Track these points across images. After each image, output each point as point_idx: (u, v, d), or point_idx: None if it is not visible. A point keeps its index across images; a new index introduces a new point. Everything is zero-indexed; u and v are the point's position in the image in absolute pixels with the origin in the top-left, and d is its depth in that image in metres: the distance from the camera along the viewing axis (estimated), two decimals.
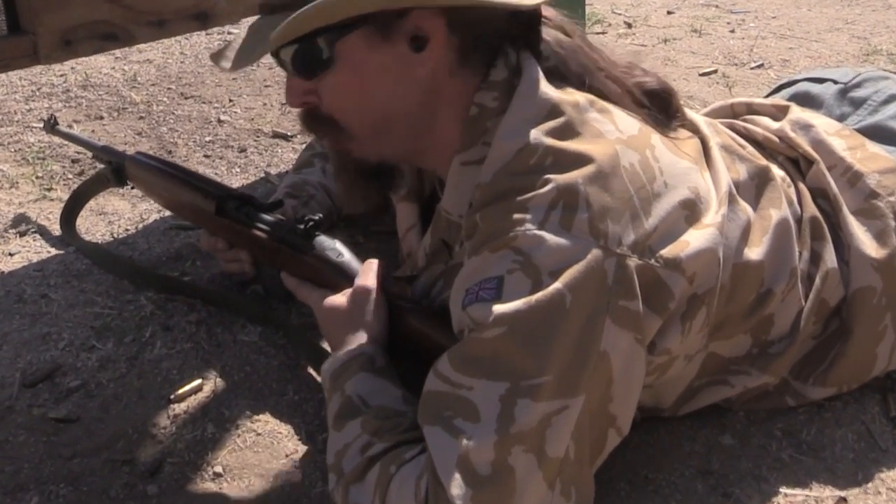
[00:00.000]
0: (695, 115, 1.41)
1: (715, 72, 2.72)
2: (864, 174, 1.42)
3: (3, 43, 1.65)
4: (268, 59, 2.24)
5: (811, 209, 1.38)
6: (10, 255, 1.76)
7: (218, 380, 1.44)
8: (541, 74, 1.20)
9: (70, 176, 2.07)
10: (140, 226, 1.87)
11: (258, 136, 2.28)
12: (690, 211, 1.17)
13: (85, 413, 1.37)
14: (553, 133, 1.14)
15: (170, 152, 2.18)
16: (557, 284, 1.05)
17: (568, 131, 1.15)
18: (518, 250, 1.06)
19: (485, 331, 1.05)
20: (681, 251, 1.13)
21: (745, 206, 1.29)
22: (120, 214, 1.92)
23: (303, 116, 1.24)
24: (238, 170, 2.11)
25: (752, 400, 1.40)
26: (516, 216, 1.08)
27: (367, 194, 1.32)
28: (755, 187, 1.35)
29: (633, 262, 1.08)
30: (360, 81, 1.17)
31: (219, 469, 1.28)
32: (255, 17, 1.21)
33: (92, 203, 1.94)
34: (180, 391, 1.41)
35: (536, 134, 1.14)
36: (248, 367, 1.47)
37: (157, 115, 2.39)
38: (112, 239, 1.83)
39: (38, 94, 2.50)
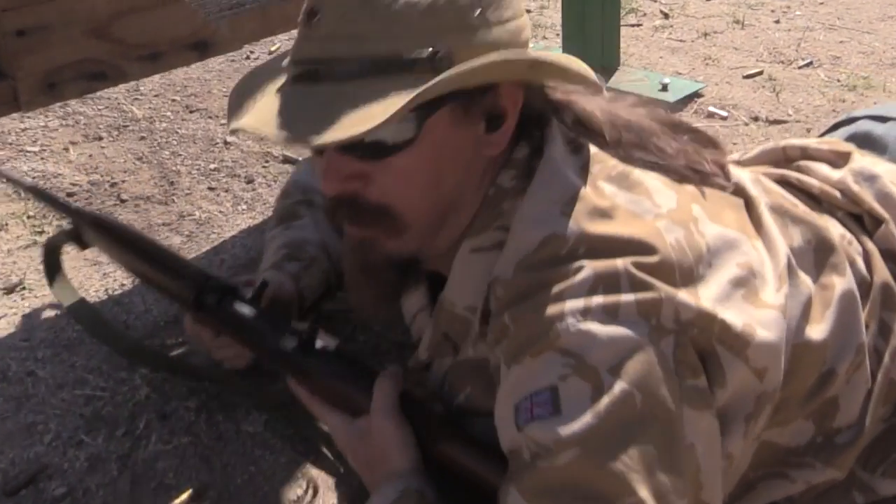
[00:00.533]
0: (740, 173, 1.24)
1: (760, 73, 2.51)
2: None
3: None
4: None
5: (882, 273, 1.20)
6: None
7: (218, 485, 1.29)
8: (564, 150, 1.07)
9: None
10: (137, 281, 1.72)
11: (267, 162, 2.11)
12: (745, 289, 1.03)
13: None
14: (583, 217, 1.01)
15: (172, 183, 2.02)
16: (622, 384, 0.92)
17: (600, 214, 1.01)
18: (566, 351, 0.93)
19: (555, 457, 0.91)
20: (749, 336, 0.99)
21: (805, 279, 1.13)
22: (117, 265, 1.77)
23: (337, 204, 1.05)
24: (244, 206, 1.94)
25: (816, 498, 1.24)
26: (553, 311, 0.95)
27: (393, 295, 1.18)
28: (813, 252, 1.18)
29: (688, 335, 0.96)
30: (437, 164, 1.03)
31: None
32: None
33: (87, 252, 1.78)
34: (176, 502, 1.26)
35: (564, 219, 1.00)
36: (252, 467, 1.32)
37: (159, 134, 2.22)
38: (107, 297, 1.68)
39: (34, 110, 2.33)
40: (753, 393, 1.02)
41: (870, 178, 1.31)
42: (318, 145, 0.96)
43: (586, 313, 0.94)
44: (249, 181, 2.03)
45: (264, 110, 1.01)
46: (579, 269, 0.97)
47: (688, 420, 0.94)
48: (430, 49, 0.97)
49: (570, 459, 0.90)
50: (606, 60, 2.50)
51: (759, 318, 1.02)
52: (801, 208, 1.24)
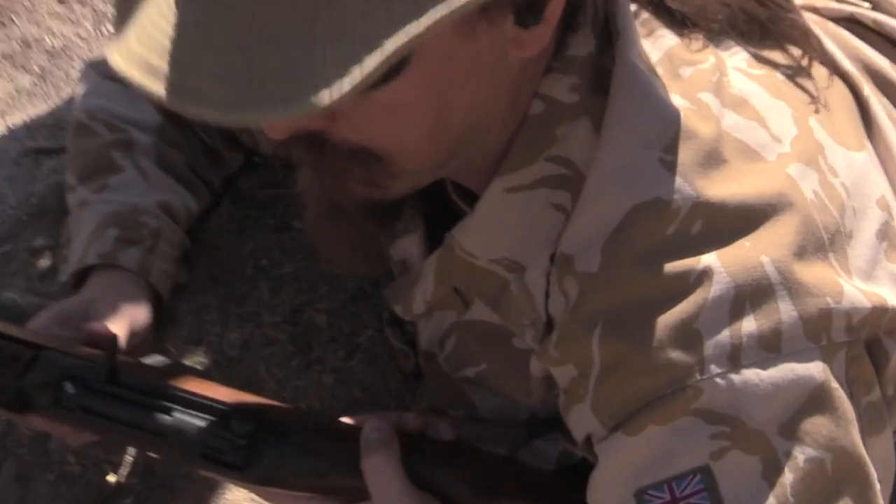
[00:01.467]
0: (815, 29, 0.91)
1: None
2: None
3: None
4: None
5: None
6: None
7: None
8: (641, 42, 0.73)
9: None
10: None
11: None
12: (888, 240, 0.75)
13: None
14: (694, 168, 0.68)
15: None
16: (805, 448, 0.64)
17: (712, 161, 0.69)
18: (712, 415, 0.64)
19: None
20: None
21: None
22: None
23: (289, 142, 0.65)
24: (111, 27, 1.48)
25: None
26: (683, 357, 0.64)
27: (372, 249, 0.82)
28: None
29: (860, 341, 0.69)
30: (440, 90, 0.64)
31: None
32: None
33: None
34: None
35: (665, 173, 0.68)
36: None
37: None
38: None
39: None
40: None
41: None
42: (230, 121, 0.55)
43: (736, 355, 0.64)
44: None
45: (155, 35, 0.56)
46: (707, 273, 0.64)
47: (870, 451, 0.68)
48: None
49: None
50: None
51: None
52: (892, 73, 0.93)
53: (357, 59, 0.51)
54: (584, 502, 0.74)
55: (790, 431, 0.63)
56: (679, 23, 0.75)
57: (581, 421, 0.70)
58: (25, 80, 1.39)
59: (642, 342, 0.65)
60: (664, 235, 0.67)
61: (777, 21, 0.84)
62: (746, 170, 0.70)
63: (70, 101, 1.35)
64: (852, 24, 1.01)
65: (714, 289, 0.65)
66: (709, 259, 0.66)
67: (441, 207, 0.89)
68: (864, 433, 0.68)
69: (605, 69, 0.72)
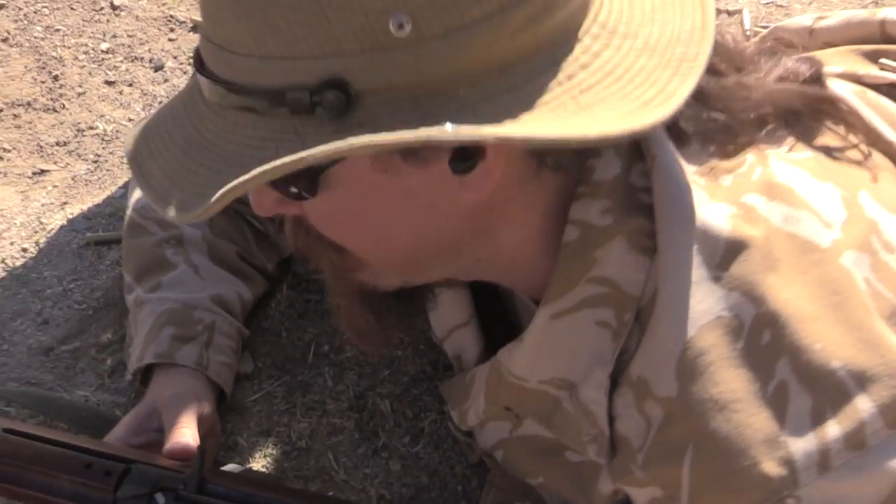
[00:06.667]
0: (848, 97, 0.93)
1: None
2: None
3: None
4: None
5: None
6: None
7: None
8: (683, 166, 0.75)
9: None
10: (41, 239, 1.32)
11: (173, 32, 1.65)
12: None
13: None
14: (748, 283, 0.72)
15: (55, 77, 1.55)
16: None
17: (767, 266, 0.72)
18: None
19: None
20: None
21: None
22: (9, 217, 1.35)
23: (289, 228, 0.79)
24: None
25: None
26: (776, 471, 0.68)
27: (393, 326, 0.88)
28: None
29: None
30: (370, 218, 0.73)
31: None
32: None
33: None
34: None
35: (725, 298, 0.72)
36: None
37: (23, 2, 1.71)
38: (4, 272, 1.28)
39: None
40: None
41: None
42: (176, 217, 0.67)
43: (826, 462, 0.67)
44: (158, 67, 1.58)
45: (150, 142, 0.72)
46: (784, 387, 0.66)
47: None
48: (318, 80, 0.61)
49: None
50: None
51: None
52: None
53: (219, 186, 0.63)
54: None
55: None
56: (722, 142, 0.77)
57: None
58: (81, 168, 1.43)
59: (734, 464, 0.68)
60: (733, 349, 0.70)
61: (817, 104, 0.86)
62: (802, 266, 0.72)
63: (126, 188, 1.39)
64: (894, 90, 1.03)
65: (795, 404, 0.68)
66: (783, 372, 0.68)
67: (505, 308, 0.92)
68: None
69: (633, 188, 0.75)
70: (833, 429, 0.67)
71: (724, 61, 0.79)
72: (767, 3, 1.68)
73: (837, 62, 1.10)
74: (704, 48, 0.68)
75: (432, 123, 0.60)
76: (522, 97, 0.62)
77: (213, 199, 0.62)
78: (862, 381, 0.68)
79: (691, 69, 0.66)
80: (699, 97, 0.73)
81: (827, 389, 0.68)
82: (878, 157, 0.86)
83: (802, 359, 0.68)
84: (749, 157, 0.78)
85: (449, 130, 0.59)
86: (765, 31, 1.28)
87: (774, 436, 0.67)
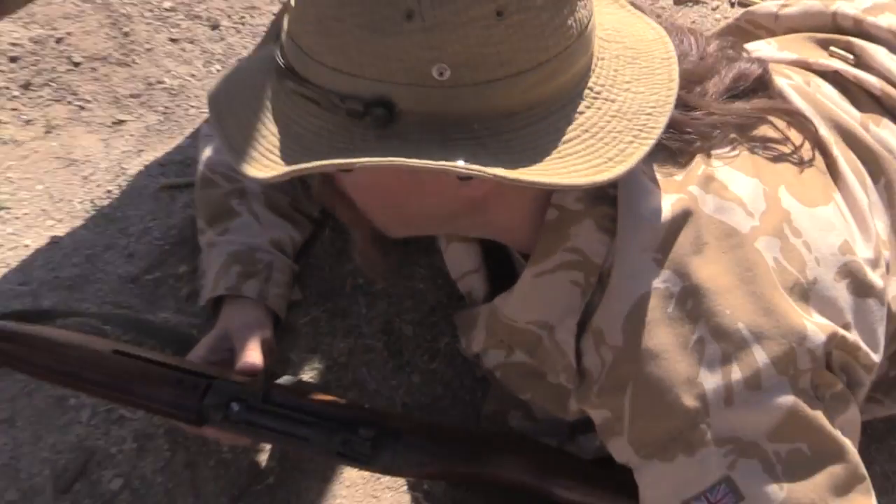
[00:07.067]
0: (790, 77, 1.16)
1: None
2: None
3: None
4: None
5: None
6: None
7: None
8: (645, 170, 0.99)
9: (14, 90, 1.70)
10: (122, 182, 1.57)
11: None
12: (851, 279, 1.02)
13: None
14: (679, 262, 0.95)
15: (126, 34, 1.79)
16: (786, 445, 0.92)
17: (696, 247, 0.96)
18: (721, 440, 0.91)
19: None
20: (862, 345, 1.00)
21: (886, 235, 1.11)
22: (94, 162, 1.61)
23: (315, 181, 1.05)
24: (218, 66, 1.75)
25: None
26: (693, 405, 0.92)
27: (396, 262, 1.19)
28: (884, 190, 1.16)
29: (822, 365, 0.96)
30: (387, 194, 0.97)
31: None
32: None
33: (55, 145, 1.62)
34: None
35: (661, 273, 0.96)
36: None
37: None
38: (95, 211, 1.54)
39: None
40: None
41: None
42: (265, 179, 0.88)
43: (730, 399, 0.91)
44: (215, 26, 1.81)
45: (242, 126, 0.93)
46: (701, 341, 0.91)
47: (839, 426, 0.95)
48: (371, 96, 0.85)
49: None
50: None
51: (865, 315, 1.02)
52: (870, 130, 1.17)
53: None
54: (616, 481, 1.04)
55: (775, 437, 0.90)
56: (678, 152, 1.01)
57: (620, 450, 0.99)
58: (153, 119, 1.67)
59: (667, 401, 0.93)
60: (665, 313, 0.94)
61: (760, 114, 1.09)
62: (723, 248, 0.96)
63: (193, 136, 1.63)
64: (837, 77, 1.25)
65: (708, 354, 0.92)
66: (701, 330, 0.93)
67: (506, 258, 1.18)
68: (833, 415, 0.94)
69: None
70: (736, 373, 0.91)
71: (688, 83, 1.02)
72: None
73: (793, 48, 1.32)
74: (662, 122, 0.91)
75: (450, 146, 0.84)
76: (520, 139, 0.86)
77: (283, 171, 0.85)
78: (760, 338, 0.92)
79: (648, 137, 0.89)
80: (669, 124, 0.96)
81: (732, 343, 0.92)
82: (808, 151, 1.09)
83: (715, 321, 0.93)
84: (698, 157, 1.02)
85: (461, 165, 0.83)
86: (738, 15, 1.49)
87: (693, 377, 0.92)
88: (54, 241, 1.49)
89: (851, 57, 1.29)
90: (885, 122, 1.20)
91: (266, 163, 0.88)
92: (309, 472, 1.27)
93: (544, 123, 0.87)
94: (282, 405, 1.12)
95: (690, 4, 1.79)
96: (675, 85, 0.94)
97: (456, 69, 0.83)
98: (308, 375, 1.35)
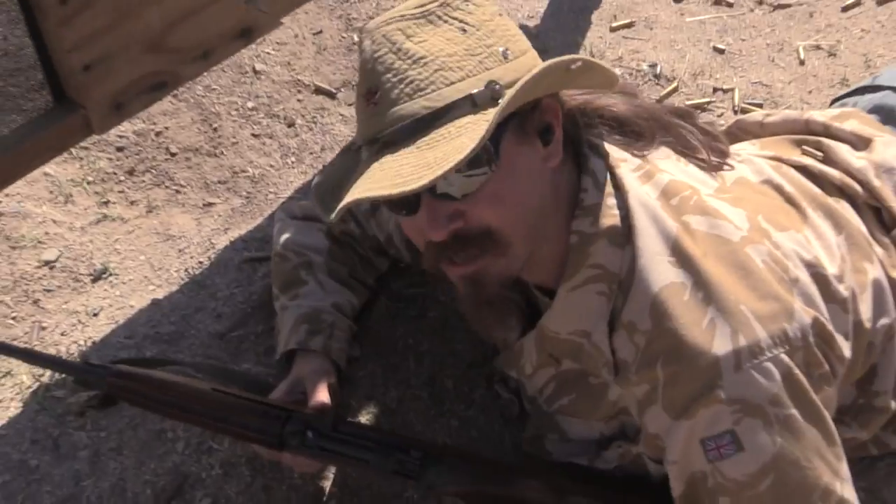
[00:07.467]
0: (762, 164, 1.44)
1: None
2: None
3: (57, 125, 1.58)
4: None
5: None
6: (95, 314, 1.78)
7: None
8: (639, 185, 1.27)
9: (121, 176, 2.02)
10: (212, 255, 1.87)
11: (300, 93, 2.19)
12: (820, 286, 1.27)
13: None
14: (690, 262, 1.22)
15: (215, 129, 2.11)
16: (784, 409, 1.16)
17: (699, 255, 1.22)
18: (731, 400, 1.15)
19: (757, 485, 1.16)
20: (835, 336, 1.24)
21: (848, 268, 1.36)
22: (188, 237, 1.91)
23: (443, 246, 1.20)
24: (293, 158, 2.06)
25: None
26: (710, 372, 1.16)
27: (509, 319, 1.39)
28: (844, 241, 1.40)
29: (812, 343, 1.20)
30: (518, 180, 1.20)
31: None
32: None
33: (155, 222, 1.92)
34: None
35: (676, 269, 1.22)
36: None
37: None
38: (188, 278, 1.83)
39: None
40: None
41: (889, 171, 1.47)
42: (430, 183, 1.07)
43: (738, 365, 1.15)
44: (290, 124, 2.12)
45: (363, 184, 1.13)
46: (713, 321, 1.17)
47: (821, 397, 1.19)
48: (487, 82, 1.13)
49: (770, 484, 1.15)
50: None
51: (834, 317, 1.26)
52: (829, 200, 1.43)
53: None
54: (628, 488, 1.30)
55: (775, 402, 1.14)
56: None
57: (654, 417, 1.22)
58: (238, 202, 1.98)
59: (690, 368, 1.16)
60: (683, 300, 1.19)
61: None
62: (720, 254, 1.21)
63: (271, 217, 1.93)
64: (805, 170, 1.51)
65: (719, 330, 1.16)
66: (712, 312, 1.18)
67: (527, 304, 1.44)
68: (817, 390, 1.18)
69: (609, 207, 1.25)
70: (742, 342, 1.14)
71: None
72: (755, 83, 2.16)
73: (771, 147, 1.60)
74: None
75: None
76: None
77: (464, 155, 1.05)
78: (760, 317, 1.16)
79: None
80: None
81: (738, 321, 1.15)
82: (783, 205, 1.37)
83: (722, 304, 1.17)
84: (688, 190, 1.28)
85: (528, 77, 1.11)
86: (730, 124, 1.77)
87: (708, 348, 1.14)
88: (154, 303, 1.79)
89: (820, 154, 1.55)
90: (844, 203, 1.45)
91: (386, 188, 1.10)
92: (363, 498, 1.53)
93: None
94: (347, 434, 1.39)
95: (699, 112, 2.07)
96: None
97: (508, 50, 1.17)
98: (365, 419, 1.62)
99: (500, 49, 1.16)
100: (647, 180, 1.28)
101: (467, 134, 1.09)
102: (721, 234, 1.23)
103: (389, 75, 1.14)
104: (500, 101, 1.11)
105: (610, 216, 1.25)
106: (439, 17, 1.15)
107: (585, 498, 1.36)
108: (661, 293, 1.20)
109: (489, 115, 1.09)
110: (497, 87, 1.13)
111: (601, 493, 1.37)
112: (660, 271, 1.21)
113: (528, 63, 1.18)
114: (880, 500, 1.49)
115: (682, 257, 1.21)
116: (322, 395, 1.46)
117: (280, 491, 1.53)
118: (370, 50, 1.16)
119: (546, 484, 1.36)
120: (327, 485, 1.55)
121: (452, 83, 1.12)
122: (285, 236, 1.66)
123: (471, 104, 1.12)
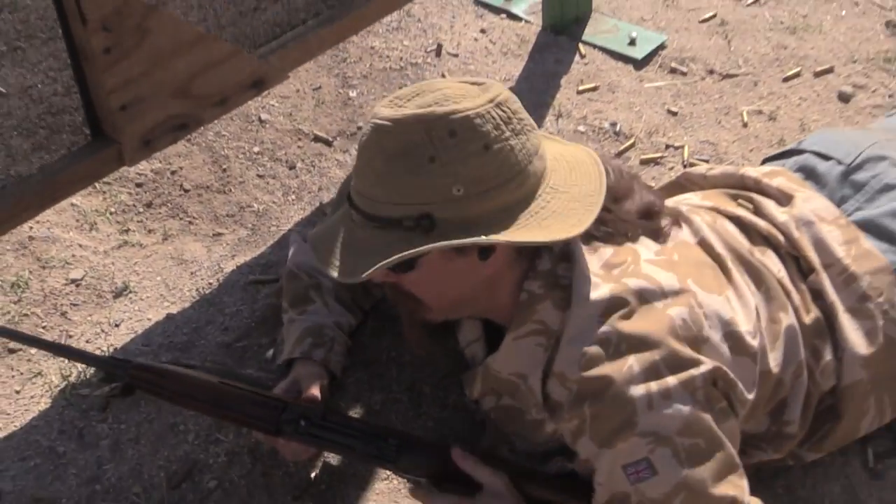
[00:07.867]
0: (701, 220, 1.69)
1: (714, 17, 2.86)
2: (858, 276, 1.66)
3: (93, 157, 1.83)
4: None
5: (812, 313, 1.65)
6: (116, 325, 2.02)
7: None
8: (587, 264, 1.50)
9: (140, 208, 2.28)
10: (220, 277, 2.12)
11: (301, 140, 2.46)
12: (732, 342, 1.51)
13: None
14: (616, 321, 1.45)
15: (224, 169, 2.37)
16: (690, 439, 1.39)
17: (628, 314, 1.46)
18: (645, 433, 1.38)
19: (672, 501, 1.39)
20: (737, 383, 1.48)
21: (763, 322, 1.60)
22: (199, 262, 2.16)
23: (386, 287, 1.55)
24: (293, 196, 2.32)
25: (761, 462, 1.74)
26: (626, 410, 1.39)
27: (435, 340, 1.67)
28: (763, 296, 1.64)
29: (712, 385, 1.44)
30: (437, 282, 1.48)
31: None
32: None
33: (170, 249, 2.17)
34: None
35: (604, 327, 1.45)
36: None
37: None
38: (199, 296, 2.08)
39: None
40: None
41: (807, 224, 1.72)
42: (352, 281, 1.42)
43: (650, 405, 1.38)
44: (291, 167, 2.39)
45: (327, 257, 1.46)
46: (631, 367, 1.40)
47: (723, 431, 1.42)
48: (418, 214, 1.37)
49: (681, 499, 1.38)
50: (581, 9, 2.83)
51: (741, 367, 1.50)
52: (755, 256, 1.68)
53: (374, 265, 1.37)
54: (568, 488, 1.55)
55: (682, 433, 1.37)
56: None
57: (584, 445, 1.45)
58: (244, 233, 2.23)
59: (612, 407, 1.39)
60: (608, 352, 1.43)
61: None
62: (645, 315, 1.46)
63: (274, 247, 2.19)
64: (739, 220, 1.77)
65: (636, 377, 1.40)
66: (631, 361, 1.42)
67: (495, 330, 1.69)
68: (718, 422, 1.41)
69: (557, 275, 1.50)
70: (654, 388, 1.37)
71: (611, 196, 1.56)
72: (703, 142, 2.45)
73: (711, 199, 1.86)
74: (600, 200, 1.46)
75: (473, 232, 1.37)
76: (515, 224, 1.40)
77: (364, 275, 1.38)
78: (670, 366, 1.39)
79: (593, 210, 1.45)
80: (597, 220, 1.49)
81: (653, 371, 1.38)
82: (709, 264, 1.62)
83: (639, 356, 1.40)
84: (628, 258, 1.54)
85: (483, 238, 1.37)
86: (678, 175, 2.03)
87: (626, 391, 1.37)
88: (169, 317, 2.04)
89: (752, 206, 1.82)
90: (769, 252, 1.71)
91: (352, 272, 1.41)
92: (351, 483, 1.76)
93: (527, 214, 1.41)
94: (335, 423, 1.63)
95: (652, 165, 2.35)
96: (604, 177, 1.50)
97: (466, 187, 1.38)
98: None
99: (455, 189, 1.37)
100: (592, 253, 1.52)
101: (381, 254, 1.38)
102: (648, 299, 1.46)
103: (363, 171, 1.44)
104: (431, 231, 1.37)
105: (557, 283, 1.50)
106: (417, 146, 1.37)
107: (536, 483, 1.60)
108: (588, 351, 1.43)
109: (412, 242, 1.37)
110: (426, 221, 1.37)
111: (551, 479, 1.61)
112: (590, 328, 1.44)
113: (484, 206, 1.39)
114: (797, 497, 1.73)
115: (609, 318, 1.44)
116: (314, 391, 1.69)
117: (277, 476, 1.76)
118: (363, 137, 1.42)
119: (503, 468, 1.60)
120: (317, 471, 1.78)
121: (396, 204, 1.38)
122: (300, 258, 1.90)
123: (402, 227, 1.38)
